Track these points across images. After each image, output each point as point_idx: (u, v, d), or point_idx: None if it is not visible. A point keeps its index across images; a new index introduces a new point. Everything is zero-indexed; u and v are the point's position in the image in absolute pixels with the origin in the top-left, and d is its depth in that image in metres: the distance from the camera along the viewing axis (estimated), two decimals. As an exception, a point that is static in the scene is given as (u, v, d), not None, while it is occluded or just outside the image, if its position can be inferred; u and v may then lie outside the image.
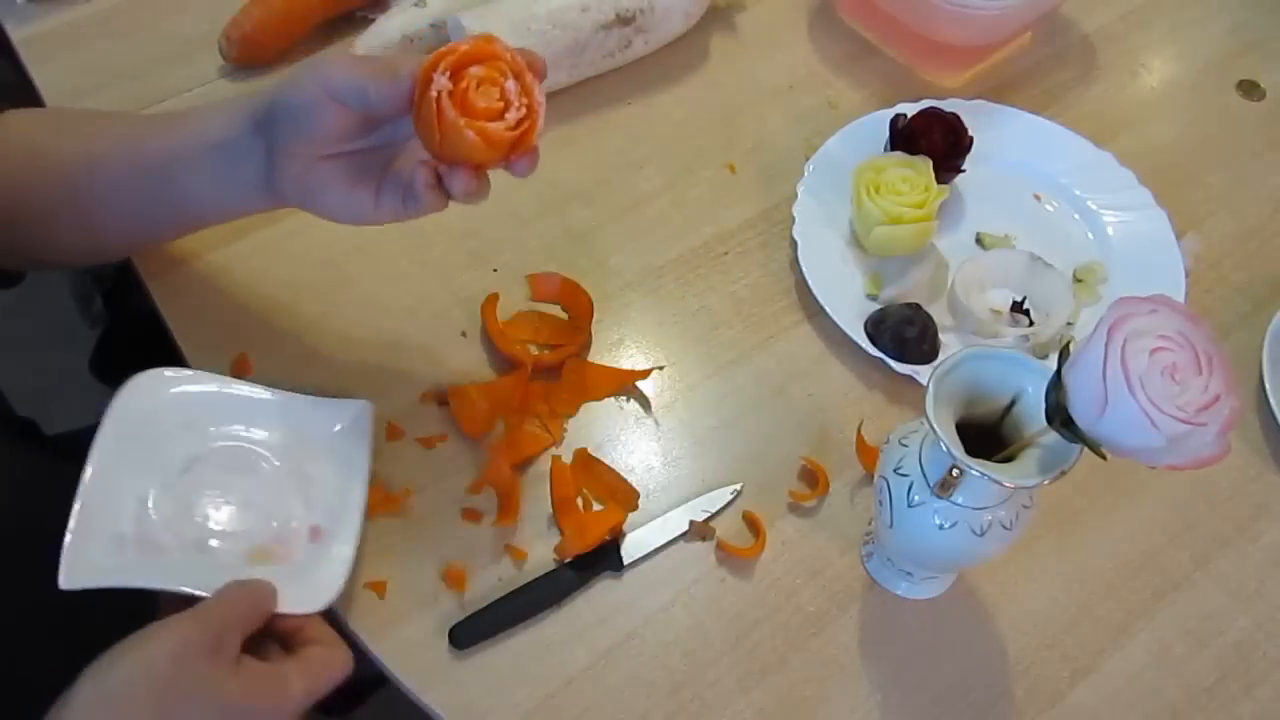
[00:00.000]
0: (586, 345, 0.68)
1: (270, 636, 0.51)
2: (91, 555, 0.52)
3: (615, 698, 0.56)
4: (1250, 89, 0.86)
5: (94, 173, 0.55)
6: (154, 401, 0.58)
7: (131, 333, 1.43)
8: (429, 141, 0.49)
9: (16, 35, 0.82)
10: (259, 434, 0.59)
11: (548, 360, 0.66)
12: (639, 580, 0.60)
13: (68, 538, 0.51)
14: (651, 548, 0.60)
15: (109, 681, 0.44)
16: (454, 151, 0.49)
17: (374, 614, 0.57)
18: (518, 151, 0.51)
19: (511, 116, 0.49)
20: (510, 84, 0.49)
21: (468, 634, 0.56)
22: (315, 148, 0.51)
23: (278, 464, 0.59)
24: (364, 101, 0.49)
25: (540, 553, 0.60)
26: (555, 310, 0.70)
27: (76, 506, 0.52)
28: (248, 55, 0.80)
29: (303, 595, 0.53)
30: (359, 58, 0.50)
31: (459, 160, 0.50)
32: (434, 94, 0.47)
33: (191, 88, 0.80)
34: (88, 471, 0.54)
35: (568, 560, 0.59)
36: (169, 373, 0.59)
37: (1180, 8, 0.91)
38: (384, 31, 0.77)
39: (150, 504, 0.55)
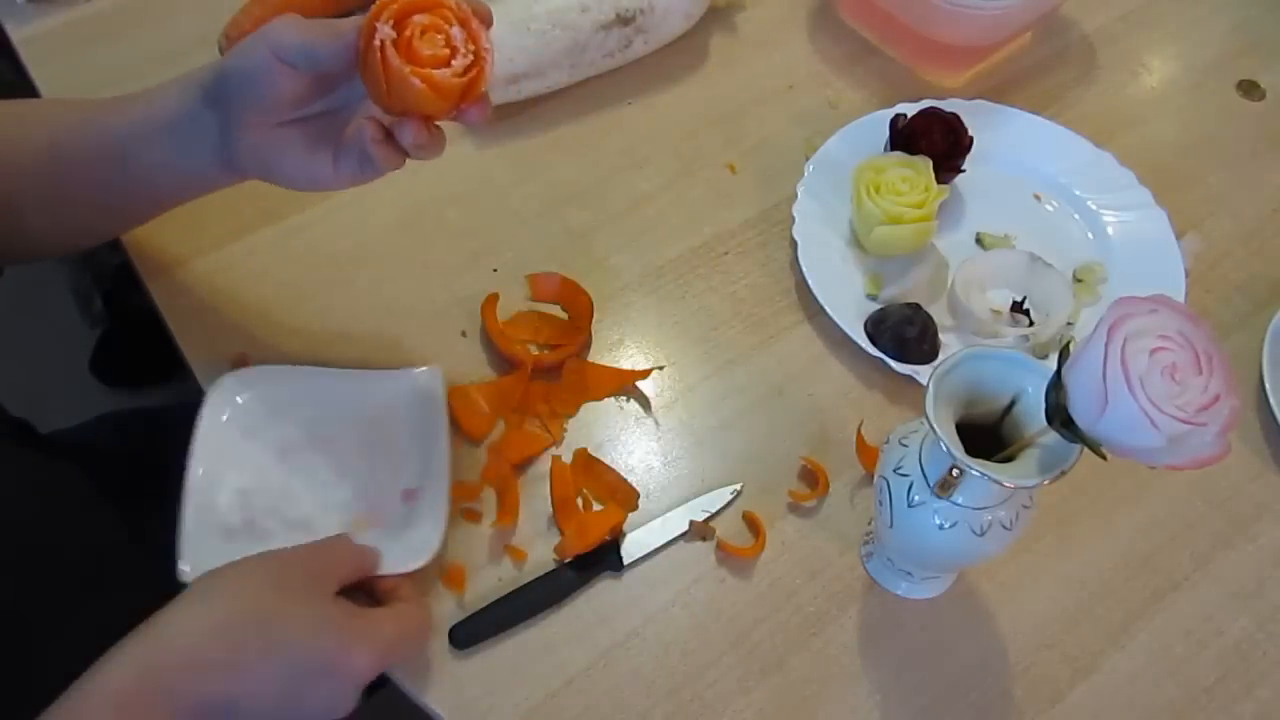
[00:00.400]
0: (587, 345, 0.68)
1: (366, 594, 0.54)
2: (207, 548, 0.55)
3: (615, 698, 0.56)
4: (1250, 89, 0.86)
5: (55, 160, 0.55)
6: (240, 399, 0.61)
7: (131, 333, 1.44)
8: (376, 94, 0.49)
9: (16, 35, 0.82)
10: (341, 412, 0.63)
11: (548, 360, 0.66)
12: (639, 580, 0.60)
13: (183, 536, 0.55)
14: (651, 548, 0.60)
15: (213, 598, 0.47)
16: (402, 102, 0.48)
17: (374, 614, 0.57)
18: (468, 100, 0.49)
19: (458, 63, 0.47)
20: (456, 30, 0.47)
21: (467, 634, 0.56)
22: (269, 115, 0.51)
23: (363, 437, 0.62)
24: (311, 60, 0.48)
25: (540, 553, 0.60)
26: (555, 310, 0.70)
27: (188, 506, 0.57)
28: (248, 55, 0.80)
29: (404, 555, 0.56)
30: (304, 20, 0.49)
31: (408, 111, 0.49)
32: (378, 43, 0.46)
33: (191, 88, 0.80)
34: (192, 471, 0.58)
35: (568, 560, 0.59)
36: (247, 372, 0.63)
37: (1180, 8, 0.91)
38: (384, 31, 0.77)
39: (252, 493, 0.59)
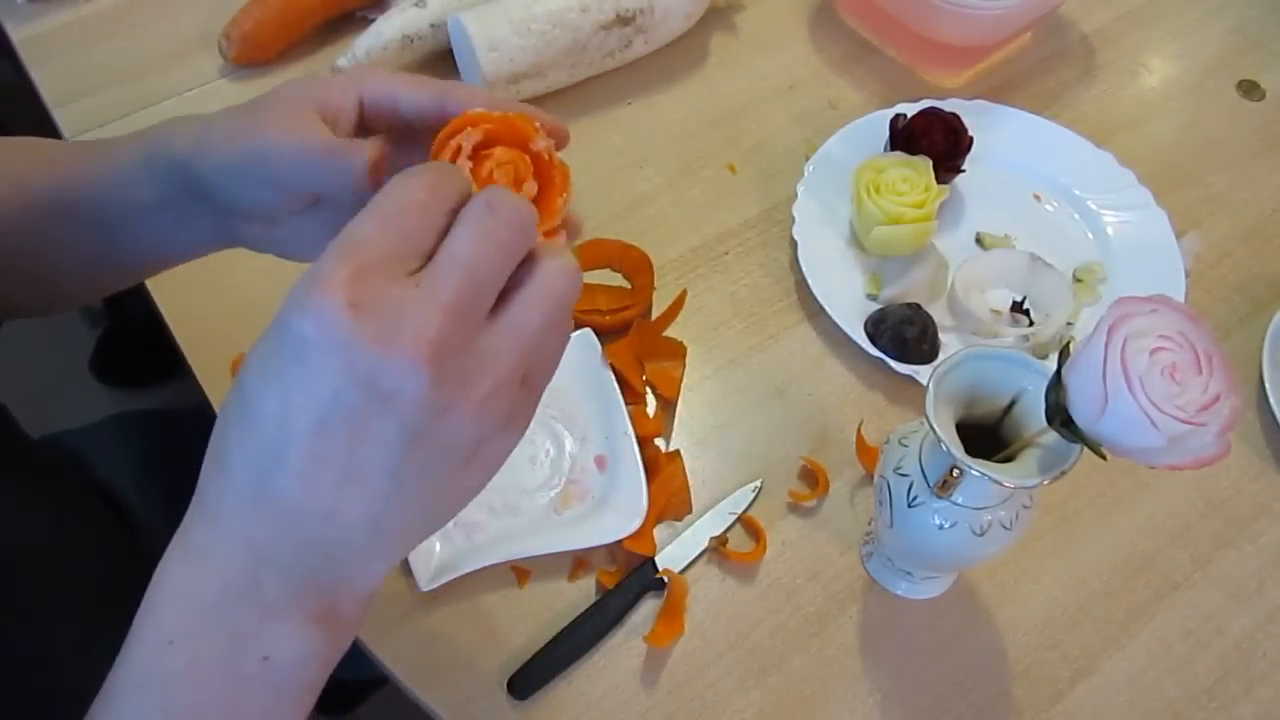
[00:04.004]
0: (649, 304, 0.69)
1: None
2: (433, 556, 0.57)
3: (615, 697, 0.56)
4: (1250, 89, 0.86)
5: (30, 221, 0.47)
6: None
7: (131, 333, 1.44)
8: None
9: (16, 35, 0.82)
10: None
11: (613, 323, 0.67)
12: (639, 580, 0.60)
13: (413, 551, 0.56)
14: (686, 560, 0.60)
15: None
16: None
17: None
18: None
19: None
20: (530, 185, 0.39)
21: (527, 683, 0.55)
22: (275, 213, 0.43)
23: (543, 414, 0.63)
24: (318, 187, 0.41)
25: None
26: (604, 279, 0.71)
27: None
28: (248, 55, 0.80)
29: (617, 523, 0.58)
30: (305, 145, 0.40)
31: None
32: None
33: (191, 88, 0.80)
34: None
35: (610, 589, 0.58)
36: None
37: (1180, 8, 0.91)
38: (384, 32, 0.77)
39: None
